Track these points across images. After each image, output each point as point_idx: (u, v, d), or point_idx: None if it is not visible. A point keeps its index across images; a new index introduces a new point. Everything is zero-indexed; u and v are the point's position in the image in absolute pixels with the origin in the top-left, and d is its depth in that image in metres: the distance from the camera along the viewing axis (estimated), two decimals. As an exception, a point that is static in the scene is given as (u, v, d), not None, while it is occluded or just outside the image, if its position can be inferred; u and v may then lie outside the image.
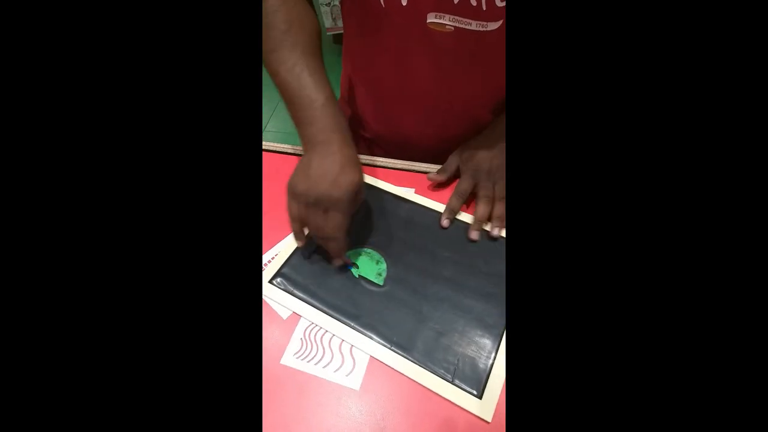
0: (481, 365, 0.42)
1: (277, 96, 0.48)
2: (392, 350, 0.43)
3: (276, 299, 0.47)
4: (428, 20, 0.48)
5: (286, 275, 0.49)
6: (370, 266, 0.50)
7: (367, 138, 0.69)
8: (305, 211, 0.45)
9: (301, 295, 0.48)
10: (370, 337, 0.44)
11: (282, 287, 0.48)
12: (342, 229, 0.45)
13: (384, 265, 0.50)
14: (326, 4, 1.96)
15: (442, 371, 0.42)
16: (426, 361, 0.42)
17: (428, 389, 0.41)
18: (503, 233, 0.52)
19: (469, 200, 0.56)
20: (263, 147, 0.63)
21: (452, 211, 0.53)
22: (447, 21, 0.47)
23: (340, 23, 2.02)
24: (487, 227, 0.53)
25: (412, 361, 0.42)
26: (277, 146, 0.63)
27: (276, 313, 0.46)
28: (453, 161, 0.57)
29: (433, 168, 0.60)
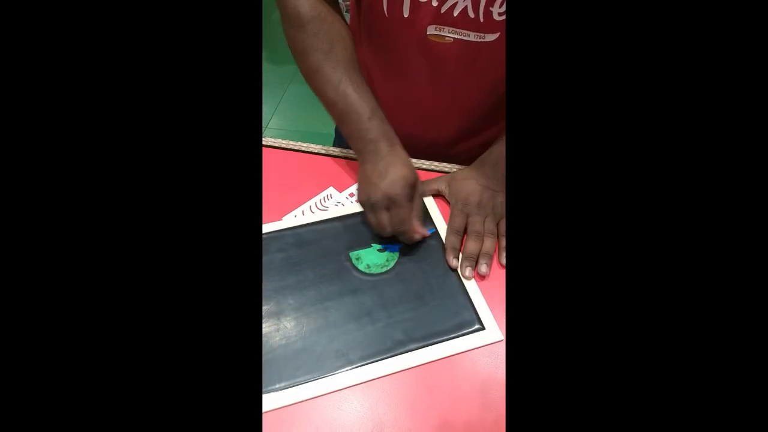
0: (462, 307, 0.46)
1: (279, 94, 0.49)
2: (392, 356, 0.43)
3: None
4: (428, 32, 0.49)
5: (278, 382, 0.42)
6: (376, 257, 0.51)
7: None
8: (374, 216, 0.48)
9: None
10: (370, 364, 0.43)
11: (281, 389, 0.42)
12: (405, 221, 0.48)
13: (394, 258, 0.51)
14: (329, 2, 1.94)
15: (441, 337, 0.44)
16: (420, 342, 0.44)
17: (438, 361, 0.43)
18: (487, 270, 0.50)
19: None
20: (266, 143, 0.64)
21: (454, 249, 0.51)
22: (447, 33, 0.49)
23: (342, 21, 2.01)
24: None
25: (411, 351, 0.43)
26: (280, 142, 0.64)
27: None
28: (437, 184, 0.56)
29: (431, 165, 0.60)
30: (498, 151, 0.54)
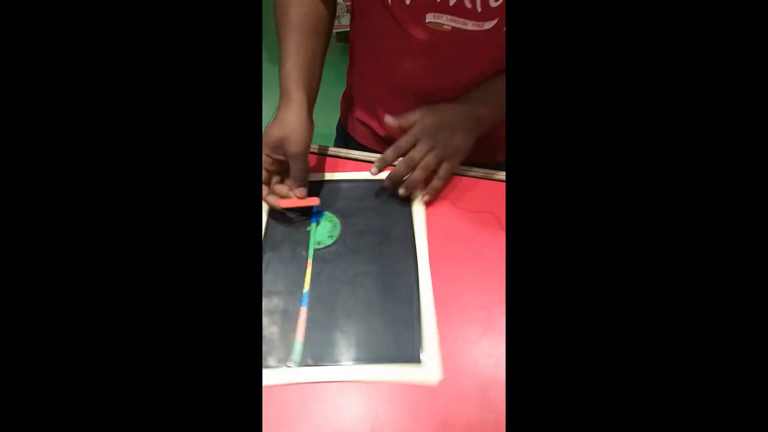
0: (408, 333, 0.42)
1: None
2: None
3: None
4: (427, 20, 0.50)
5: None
6: (325, 229, 0.52)
7: (381, 135, 0.69)
8: (268, 159, 0.50)
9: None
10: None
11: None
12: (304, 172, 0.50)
13: (338, 228, 0.52)
14: (330, 2, 1.95)
15: (381, 356, 0.41)
16: (368, 359, 0.42)
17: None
18: (404, 192, 0.52)
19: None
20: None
21: (383, 161, 0.53)
22: (444, 21, 0.50)
23: (343, 21, 2.02)
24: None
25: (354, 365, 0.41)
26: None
27: None
28: (414, 115, 0.55)
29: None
30: (482, 90, 0.56)
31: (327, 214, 0.54)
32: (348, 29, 0.65)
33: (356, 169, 0.60)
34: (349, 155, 0.62)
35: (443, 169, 0.53)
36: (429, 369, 0.40)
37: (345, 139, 0.76)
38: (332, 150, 0.63)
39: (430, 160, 0.52)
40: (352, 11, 0.60)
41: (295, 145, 0.49)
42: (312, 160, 0.62)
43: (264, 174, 0.51)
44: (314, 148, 0.63)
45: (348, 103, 0.73)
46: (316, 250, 0.50)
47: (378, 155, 0.61)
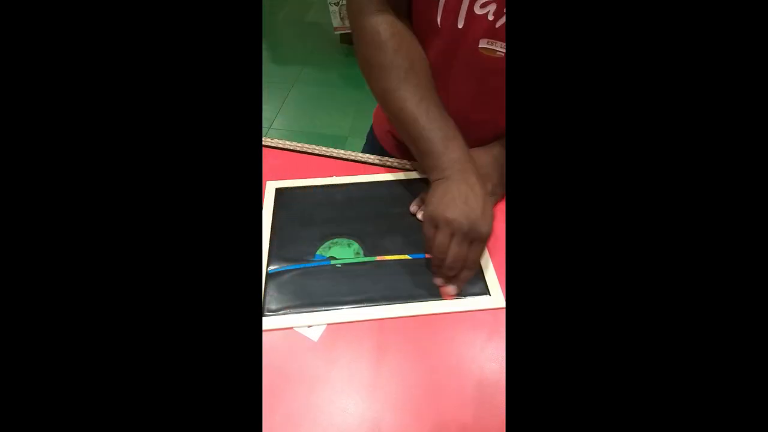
0: (451, 289, 0.48)
1: (284, 94, 0.49)
2: (406, 302, 0.47)
3: (283, 324, 0.45)
4: (480, 45, 0.48)
5: (276, 301, 0.47)
6: (345, 252, 0.51)
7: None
8: (448, 239, 0.45)
9: (304, 308, 0.47)
10: (385, 304, 0.47)
11: (282, 313, 0.46)
12: (479, 262, 0.48)
13: (356, 245, 0.52)
14: (334, 3, 1.96)
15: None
16: (436, 294, 0.47)
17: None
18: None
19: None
20: (269, 144, 0.64)
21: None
22: (498, 47, 0.48)
23: (347, 23, 2.02)
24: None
25: (425, 301, 0.47)
26: (283, 143, 0.64)
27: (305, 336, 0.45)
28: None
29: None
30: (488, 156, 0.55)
31: (334, 241, 0.53)
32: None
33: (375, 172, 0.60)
34: (383, 162, 0.62)
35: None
36: (497, 299, 0.48)
37: (374, 146, 0.74)
38: (338, 152, 0.63)
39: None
40: None
41: (486, 225, 0.45)
42: (320, 162, 0.62)
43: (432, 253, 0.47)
44: (322, 150, 0.63)
45: (382, 114, 0.71)
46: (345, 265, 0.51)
47: (392, 159, 0.61)
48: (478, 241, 0.46)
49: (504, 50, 0.48)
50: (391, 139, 0.71)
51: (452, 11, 0.47)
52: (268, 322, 0.45)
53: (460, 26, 0.48)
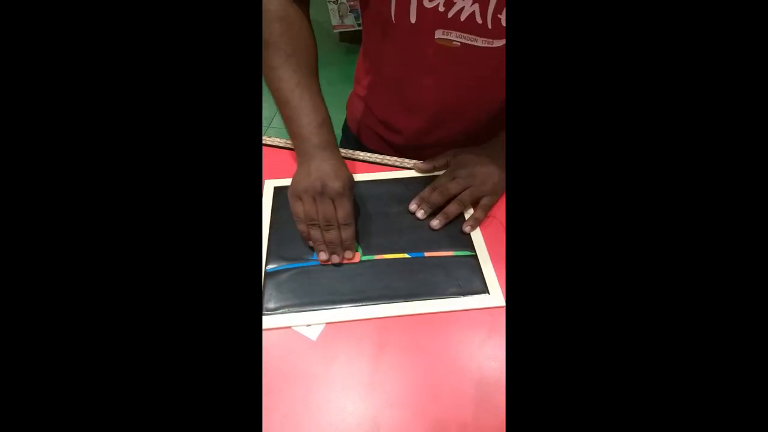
0: (472, 271, 0.49)
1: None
2: (405, 301, 0.47)
3: (281, 323, 0.46)
4: (436, 36, 0.50)
5: (274, 300, 0.47)
6: None
7: (387, 140, 0.70)
8: (313, 206, 0.48)
9: (302, 307, 0.47)
10: (384, 303, 0.47)
11: (281, 312, 0.46)
12: (352, 215, 0.49)
13: (355, 243, 0.51)
14: (333, 2, 1.96)
15: (453, 290, 0.47)
16: (436, 293, 0.47)
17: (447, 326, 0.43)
18: (438, 224, 0.53)
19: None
20: (268, 142, 0.64)
21: (421, 198, 0.54)
22: (454, 37, 0.49)
23: (346, 21, 2.02)
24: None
25: (423, 300, 0.47)
26: (282, 141, 0.64)
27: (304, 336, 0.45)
28: (444, 157, 0.58)
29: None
30: (501, 138, 0.58)
31: None
32: (352, 29, 0.65)
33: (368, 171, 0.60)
34: (369, 158, 0.62)
35: (485, 201, 0.54)
36: (496, 297, 0.48)
37: (350, 139, 0.76)
38: (346, 152, 0.63)
39: (466, 196, 0.53)
40: (363, 22, 0.60)
41: (338, 180, 0.48)
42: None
43: (304, 228, 0.50)
44: (341, 152, 0.63)
45: (356, 108, 0.73)
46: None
47: (385, 156, 0.62)
48: (337, 196, 0.48)
49: (460, 40, 0.49)
50: (367, 132, 0.72)
51: (404, 7, 0.48)
52: (266, 321, 0.45)
53: (413, 21, 0.49)
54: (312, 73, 0.53)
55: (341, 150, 0.62)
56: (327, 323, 0.45)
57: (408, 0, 0.47)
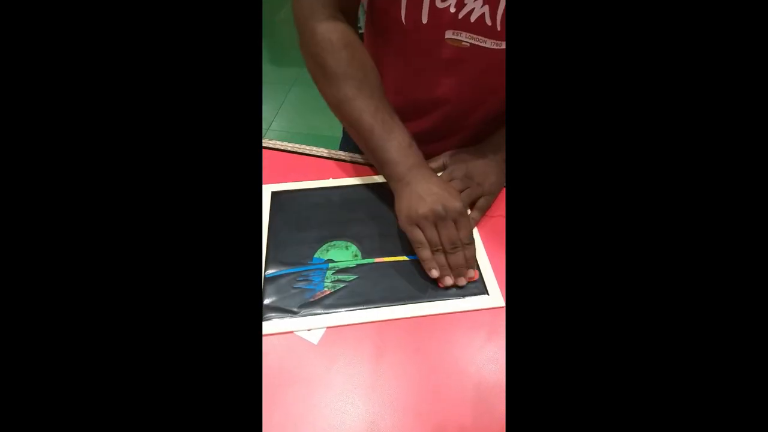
0: (471, 272, 0.48)
1: (282, 95, 0.50)
2: (405, 304, 0.47)
3: (279, 329, 0.45)
4: (446, 36, 0.50)
5: (274, 308, 0.47)
6: (343, 254, 0.51)
7: None
8: (434, 231, 0.47)
9: (303, 311, 0.47)
10: (384, 306, 0.47)
11: (281, 316, 0.46)
12: (472, 233, 0.49)
13: (354, 247, 0.52)
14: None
15: (452, 292, 0.47)
16: (435, 295, 0.47)
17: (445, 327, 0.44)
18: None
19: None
20: (268, 145, 0.64)
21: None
22: (464, 38, 0.50)
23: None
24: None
25: (423, 302, 0.47)
26: (282, 144, 0.64)
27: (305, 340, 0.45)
28: (441, 159, 0.58)
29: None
30: (500, 138, 0.58)
31: (331, 243, 0.53)
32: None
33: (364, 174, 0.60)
34: (370, 161, 0.62)
35: (482, 201, 0.54)
36: (495, 298, 0.48)
37: (352, 142, 0.76)
38: (337, 153, 0.63)
39: (464, 197, 0.53)
40: (366, 24, 0.60)
41: (457, 200, 0.48)
42: (319, 163, 0.62)
43: (427, 255, 0.47)
44: (321, 151, 0.63)
45: None
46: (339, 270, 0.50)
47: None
48: (459, 217, 0.47)
49: (469, 41, 0.50)
50: None
51: (416, 8, 0.49)
52: (267, 326, 0.45)
53: (424, 21, 0.49)
54: (383, 94, 0.52)
55: (340, 152, 0.63)
56: (327, 327, 0.45)
57: (420, 1, 0.47)
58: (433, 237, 0.47)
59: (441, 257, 0.47)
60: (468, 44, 0.50)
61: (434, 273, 0.47)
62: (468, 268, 0.48)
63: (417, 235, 0.47)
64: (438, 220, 0.47)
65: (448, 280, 0.47)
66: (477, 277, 0.49)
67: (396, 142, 0.50)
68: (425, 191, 0.47)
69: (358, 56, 0.51)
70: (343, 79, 0.50)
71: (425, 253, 0.47)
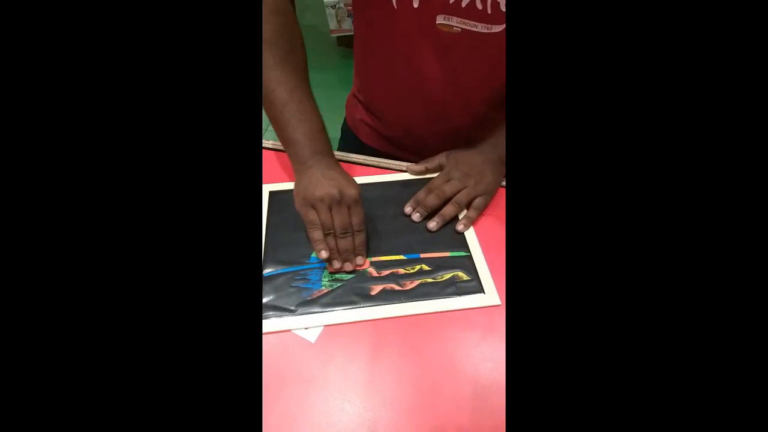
0: (467, 271, 0.50)
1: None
2: (401, 302, 0.47)
3: (277, 327, 0.46)
4: (437, 21, 0.50)
5: (271, 306, 0.47)
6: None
7: (385, 135, 0.70)
8: (328, 214, 0.48)
9: (300, 310, 0.47)
10: (381, 305, 0.47)
11: (279, 315, 0.46)
12: (364, 221, 0.50)
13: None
14: (331, 6, 1.96)
15: (449, 291, 0.48)
16: (431, 294, 0.48)
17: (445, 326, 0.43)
18: (435, 226, 0.53)
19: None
20: (267, 146, 0.64)
21: (416, 201, 0.55)
22: (455, 23, 0.50)
23: (344, 26, 2.03)
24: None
25: (419, 301, 0.47)
26: (280, 144, 0.64)
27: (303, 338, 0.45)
28: (437, 159, 0.59)
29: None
30: (496, 138, 0.58)
31: None
32: (350, 34, 0.65)
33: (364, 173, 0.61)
34: (365, 161, 0.63)
35: (478, 201, 0.55)
36: (491, 296, 0.49)
37: (349, 138, 0.76)
38: (337, 154, 0.63)
39: (462, 197, 0.54)
40: (355, 14, 0.60)
41: (354, 187, 0.49)
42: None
43: (319, 235, 0.49)
44: (338, 155, 0.63)
45: (354, 106, 0.73)
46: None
47: (381, 159, 0.62)
48: (353, 204, 0.49)
49: (460, 25, 0.50)
50: (364, 127, 0.72)
51: None
52: (265, 325, 0.45)
53: (415, 6, 0.49)
54: (306, 77, 0.53)
55: (336, 153, 0.63)
56: (325, 326, 0.46)
57: None
58: (326, 220, 0.48)
59: (332, 240, 0.49)
60: (459, 29, 0.50)
61: (323, 254, 0.48)
62: (357, 255, 0.49)
63: (311, 216, 0.49)
64: (333, 204, 0.48)
65: (336, 264, 0.49)
66: (367, 265, 0.50)
67: (308, 125, 0.50)
68: (325, 176, 0.49)
69: (289, 28, 0.51)
70: (268, 45, 0.49)
71: (317, 234, 0.48)
